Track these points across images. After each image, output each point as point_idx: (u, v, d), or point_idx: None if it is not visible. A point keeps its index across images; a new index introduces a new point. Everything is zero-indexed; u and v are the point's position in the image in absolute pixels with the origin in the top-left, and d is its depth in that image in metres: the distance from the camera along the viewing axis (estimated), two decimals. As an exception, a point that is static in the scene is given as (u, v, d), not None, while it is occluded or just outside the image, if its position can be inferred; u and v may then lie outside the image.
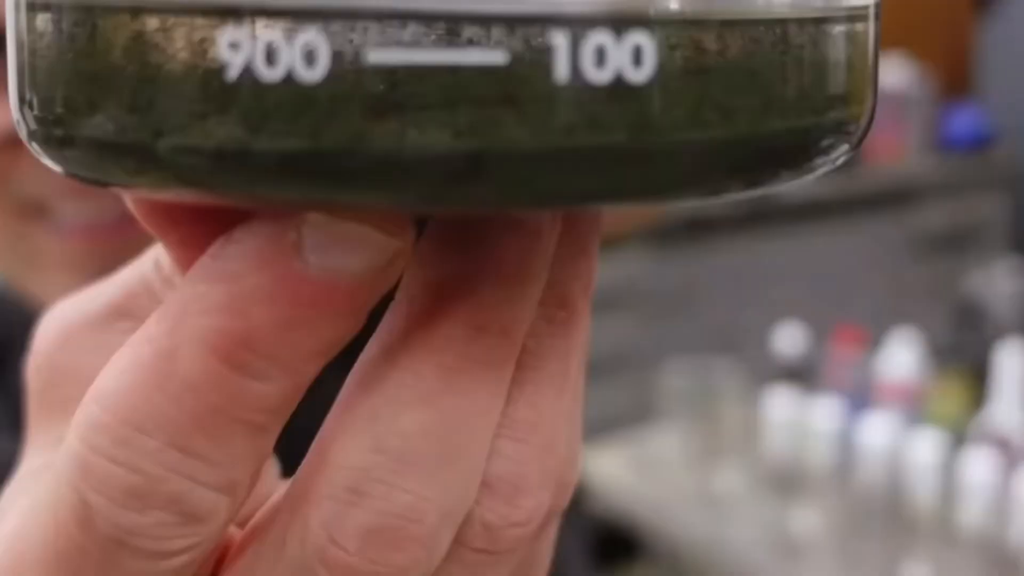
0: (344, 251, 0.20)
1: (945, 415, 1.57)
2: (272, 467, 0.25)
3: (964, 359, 1.67)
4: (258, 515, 0.22)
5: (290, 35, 0.17)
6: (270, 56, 0.18)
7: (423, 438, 0.20)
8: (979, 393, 1.56)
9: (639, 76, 0.18)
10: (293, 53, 0.17)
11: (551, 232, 0.21)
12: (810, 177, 0.20)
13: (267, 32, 0.18)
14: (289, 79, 0.17)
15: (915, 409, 1.58)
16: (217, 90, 0.18)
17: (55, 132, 0.19)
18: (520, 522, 0.22)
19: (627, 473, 1.69)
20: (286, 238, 0.19)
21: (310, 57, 0.17)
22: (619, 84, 0.18)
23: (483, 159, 0.18)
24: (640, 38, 0.18)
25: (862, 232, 2.24)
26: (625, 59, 0.18)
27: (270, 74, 0.18)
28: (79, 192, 0.50)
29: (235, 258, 0.20)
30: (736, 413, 1.67)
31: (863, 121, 0.20)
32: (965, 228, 2.37)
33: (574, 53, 0.18)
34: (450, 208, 0.19)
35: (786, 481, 1.60)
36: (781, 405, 1.63)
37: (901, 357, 1.61)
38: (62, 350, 0.24)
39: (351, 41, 0.17)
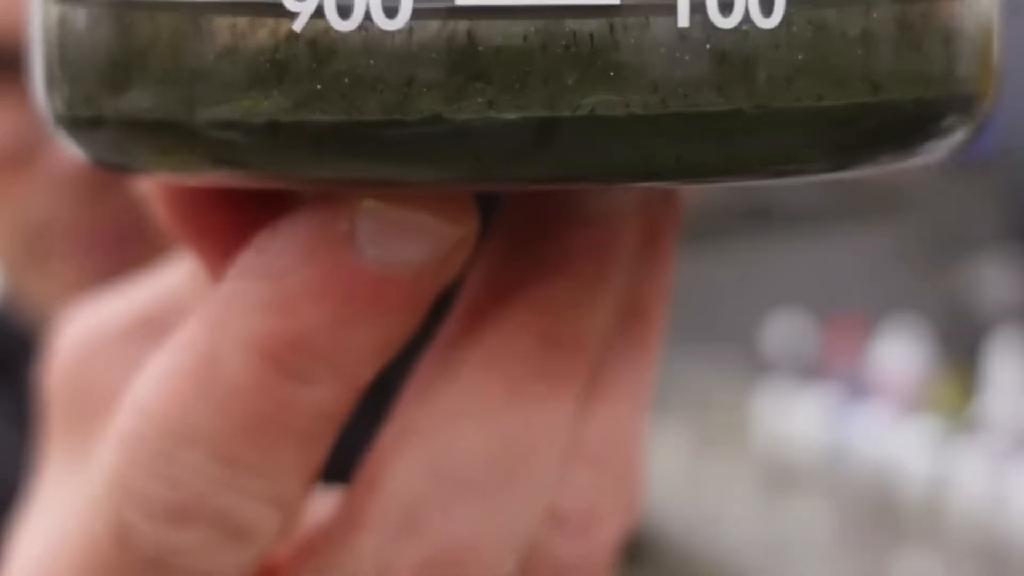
0: (403, 241, 0.18)
1: (939, 408, 1.57)
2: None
3: (958, 352, 1.67)
4: (305, 536, 0.20)
5: None
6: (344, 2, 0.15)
7: (485, 462, 0.19)
8: (973, 385, 1.56)
9: (768, 22, 0.16)
10: None
11: (628, 231, 0.19)
12: (925, 157, 0.18)
13: None
14: (365, 28, 0.15)
15: (909, 401, 1.58)
16: (274, 48, 0.16)
17: (84, 113, 0.18)
18: (593, 555, 0.20)
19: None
20: (337, 228, 0.18)
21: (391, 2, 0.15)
22: (747, 28, 0.16)
23: (591, 121, 0.16)
24: None
25: (857, 226, 2.24)
26: (754, 3, 0.16)
27: (343, 24, 0.16)
28: (88, 198, 0.49)
29: (281, 252, 0.18)
30: (730, 406, 1.67)
31: (986, 102, 0.18)
32: (958, 219, 2.37)
33: None
34: (551, 179, 0.16)
35: (780, 474, 1.60)
36: (775, 398, 1.63)
37: (895, 350, 1.61)
38: (87, 363, 0.22)
39: None
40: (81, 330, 0.23)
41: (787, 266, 2.14)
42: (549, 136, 0.16)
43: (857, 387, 1.61)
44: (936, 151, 0.18)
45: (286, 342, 0.18)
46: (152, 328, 0.22)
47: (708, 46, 0.16)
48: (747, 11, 0.16)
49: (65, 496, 0.21)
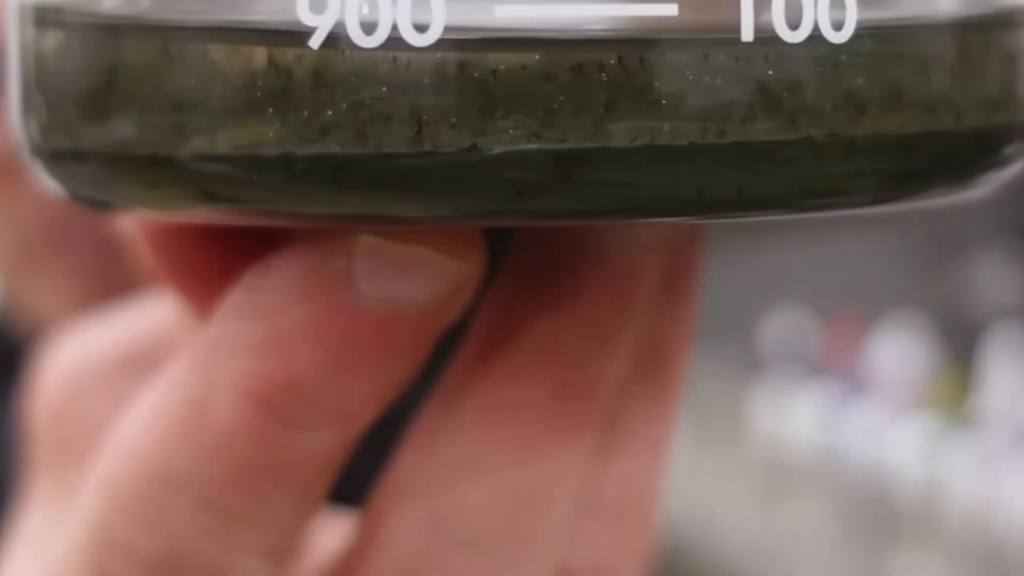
0: (404, 278, 0.16)
1: (937, 405, 1.57)
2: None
3: (956, 350, 1.67)
4: None
5: None
6: (368, 16, 0.14)
7: (491, 517, 0.17)
8: (971, 383, 1.56)
9: (839, 37, 0.14)
10: (399, 12, 0.13)
11: (650, 272, 0.18)
12: (989, 184, 0.17)
13: None
14: (391, 46, 0.14)
15: (907, 399, 1.58)
16: (282, 73, 0.14)
17: (62, 144, 0.16)
18: None
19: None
20: (333, 265, 0.16)
21: (421, 15, 0.14)
22: (817, 43, 0.14)
23: (647, 151, 0.14)
24: None
25: (855, 223, 2.24)
26: (824, 14, 0.14)
27: (367, 40, 0.14)
28: (80, 209, 0.48)
29: (273, 290, 0.17)
30: (728, 403, 1.67)
31: None
32: (956, 217, 2.37)
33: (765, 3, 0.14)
34: (601, 214, 0.15)
35: (777, 471, 1.60)
36: (773, 395, 1.63)
37: (893, 348, 1.61)
38: (72, 397, 0.21)
39: None
40: (67, 362, 0.21)
41: (786, 264, 2.14)
42: (595, 169, 0.14)
43: (855, 385, 1.61)
44: (994, 181, 0.17)
45: (279, 386, 0.17)
46: (139, 362, 0.21)
47: (774, 67, 0.14)
48: (816, 24, 0.14)
49: (49, 533, 0.20)
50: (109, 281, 0.49)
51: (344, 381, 0.17)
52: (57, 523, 0.20)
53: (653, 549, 0.19)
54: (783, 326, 1.72)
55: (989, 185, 0.17)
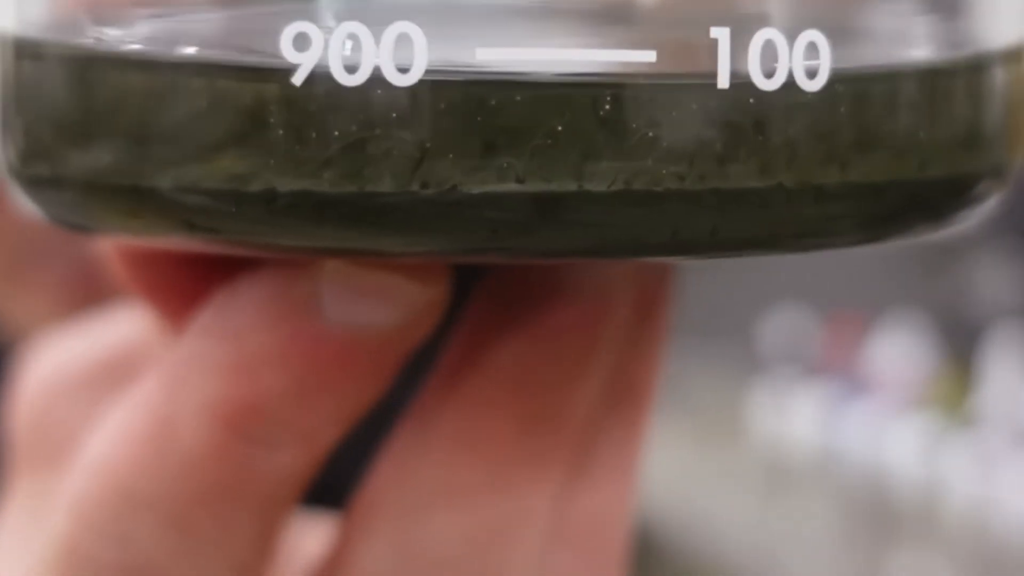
0: (370, 304, 0.17)
1: (937, 405, 1.57)
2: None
3: (955, 349, 1.67)
4: None
5: (378, 28, 0.14)
6: (351, 57, 0.14)
7: (460, 545, 0.18)
8: (970, 382, 1.56)
9: (812, 85, 0.15)
10: (382, 52, 0.14)
11: (622, 306, 0.18)
12: (959, 225, 0.17)
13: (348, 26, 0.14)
14: (374, 84, 0.14)
15: (907, 399, 1.58)
16: (264, 107, 0.14)
17: (40, 171, 0.16)
18: None
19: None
20: (301, 290, 0.17)
21: (404, 55, 0.14)
22: (791, 91, 0.14)
23: (621, 196, 0.14)
24: (815, 37, 0.15)
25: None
26: (799, 63, 0.14)
27: (350, 79, 0.14)
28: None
29: (240, 312, 0.17)
30: (728, 402, 1.67)
31: (1015, 165, 0.18)
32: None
33: (739, 49, 0.14)
34: (574, 253, 0.15)
35: (777, 470, 1.60)
36: (773, 394, 1.63)
37: (893, 347, 1.61)
38: (50, 405, 0.21)
39: (457, 35, 0.14)
40: (46, 371, 0.22)
41: (785, 262, 2.13)
42: (572, 210, 0.14)
43: (855, 384, 1.61)
44: (969, 218, 0.17)
45: (246, 407, 0.17)
46: (117, 370, 0.21)
47: (749, 113, 0.14)
48: (791, 73, 0.14)
49: (23, 539, 0.20)
50: (88, 291, 0.49)
51: (309, 403, 0.17)
52: (31, 528, 0.20)
53: None
54: (783, 325, 1.72)
55: (965, 221, 0.17)
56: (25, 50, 0.16)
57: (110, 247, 0.19)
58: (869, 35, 0.16)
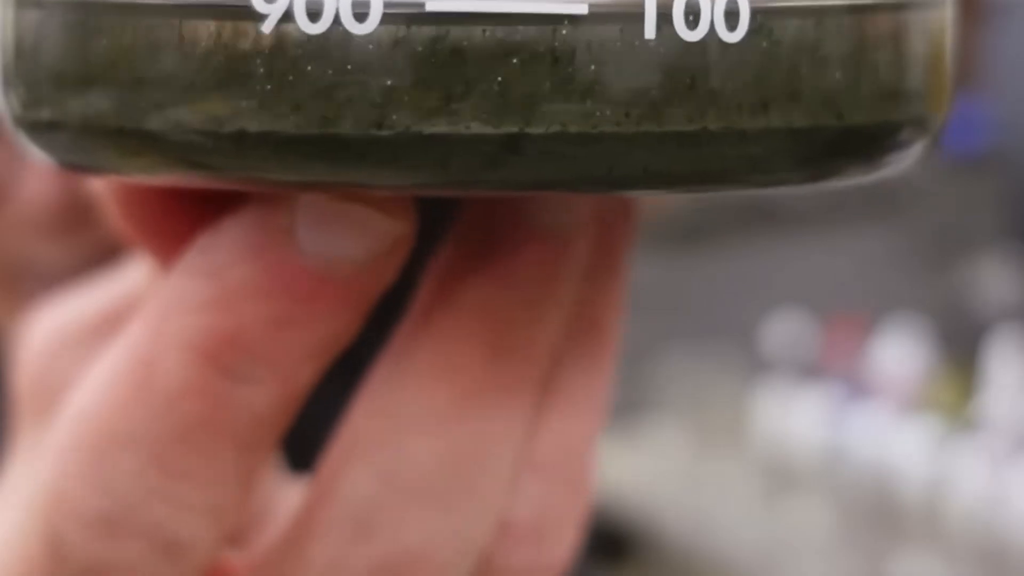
0: (342, 236, 0.18)
1: (939, 407, 1.57)
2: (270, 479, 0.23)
3: (957, 351, 1.67)
4: (258, 547, 0.20)
5: None
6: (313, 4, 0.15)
7: (436, 468, 0.19)
8: (972, 385, 1.56)
9: (733, 37, 0.16)
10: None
11: (580, 244, 0.19)
12: (886, 171, 0.19)
13: None
14: (335, 32, 0.15)
15: (909, 401, 1.58)
16: (240, 51, 0.16)
17: (43, 115, 0.17)
18: (546, 565, 0.20)
19: (618, 466, 1.69)
20: (277, 223, 0.18)
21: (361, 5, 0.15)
22: (712, 42, 0.16)
23: (559, 137, 0.16)
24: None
25: (856, 225, 2.24)
26: (720, 16, 0.16)
27: (313, 27, 0.15)
28: (56, 230, 0.48)
29: (222, 249, 0.18)
30: (730, 405, 1.67)
31: (942, 115, 0.19)
32: (957, 219, 2.37)
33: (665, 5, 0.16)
34: (518, 186, 0.17)
35: (779, 474, 1.60)
36: (775, 397, 1.63)
37: (895, 349, 1.61)
38: (52, 360, 0.22)
39: None
40: (47, 328, 0.22)
41: (787, 265, 2.14)
42: (517, 149, 0.16)
43: (857, 387, 1.61)
44: (897, 164, 0.18)
45: (224, 340, 0.18)
46: (118, 324, 0.22)
47: (674, 61, 0.16)
48: (712, 25, 0.16)
49: (22, 491, 0.21)
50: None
51: (285, 336, 0.18)
52: (30, 480, 0.21)
53: (588, 508, 0.20)
54: (785, 328, 1.72)
55: (894, 167, 0.18)
56: (26, 2, 0.17)
57: (106, 191, 0.20)
58: None
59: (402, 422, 0.19)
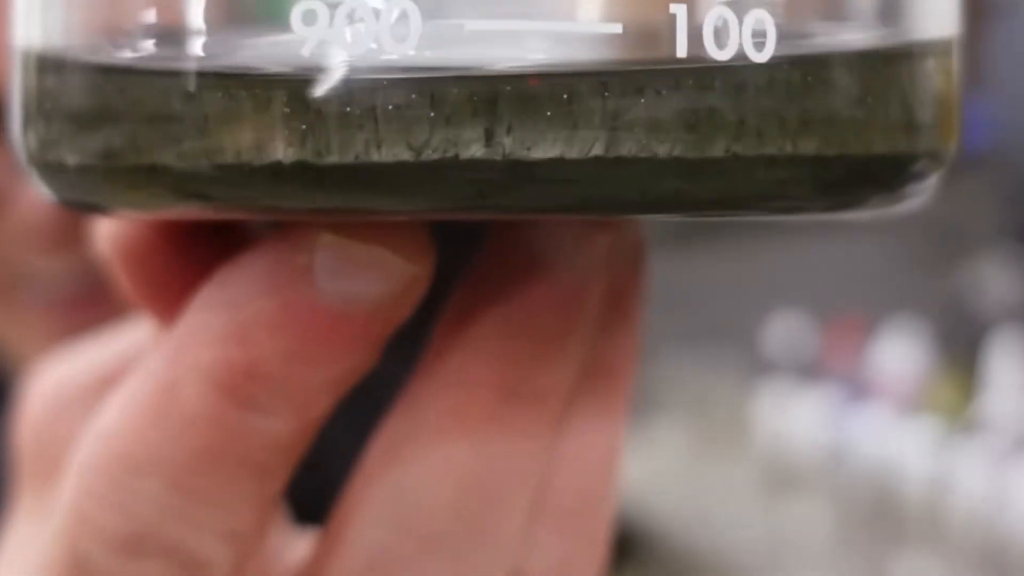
0: (360, 275, 0.18)
1: (939, 408, 1.57)
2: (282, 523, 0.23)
3: (958, 352, 1.67)
4: None
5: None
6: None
7: (449, 515, 0.19)
8: (973, 385, 1.56)
9: (760, 57, 0.16)
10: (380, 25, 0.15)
11: (594, 289, 0.19)
12: (903, 202, 0.19)
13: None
14: (344, 73, 0.16)
15: (909, 402, 1.58)
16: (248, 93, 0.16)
17: (55, 154, 0.18)
18: None
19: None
20: (296, 261, 0.18)
21: (400, 31, 0.15)
22: (740, 61, 0.16)
23: (583, 162, 0.16)
24: (762, 16, 0.16)
25: (856, 226, 2.24)
26: (747, 38, 0.16)
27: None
28: (52, 251, 0.48)
29: (240, 284, 0.18)
30: (730, 406, 1.67)
31: (952, 146, 0.19)
32: (958, 219, 2.37)
33: (695, 24, 0.16)
34: (534, 211, 0.17)
35: (780, 474, 1.60)
36: (775, 398, 1.63)
37: (895, 350, 1.61)
38: (53, 419, 0.22)
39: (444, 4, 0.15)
40: (48, 387, 0.23)
41: (787, 266, 2.14)
42: (553, 173, 0.16)
43: (857, 387, 1.61)
44: (914, 195, 0.19)
45: (242, 372, 0.18)
46: (117, 383, 0.22)
47: (705, 86, 0.16)
48: (741, 47, 0.16)
49: (29, 545, 0.21)
50: (77, 315, 0.49)
51: (301, 370, 0.18)
52: (36, 535, 0.21)
53: (605, 557, 0.20)
54: (786, 329, 1.72)
55: (912, 198, 0.19)
56: (48, 64, 0.18)
57: (109, 249, 0.20)
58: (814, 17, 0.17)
59: (415, 465, 0.19)
